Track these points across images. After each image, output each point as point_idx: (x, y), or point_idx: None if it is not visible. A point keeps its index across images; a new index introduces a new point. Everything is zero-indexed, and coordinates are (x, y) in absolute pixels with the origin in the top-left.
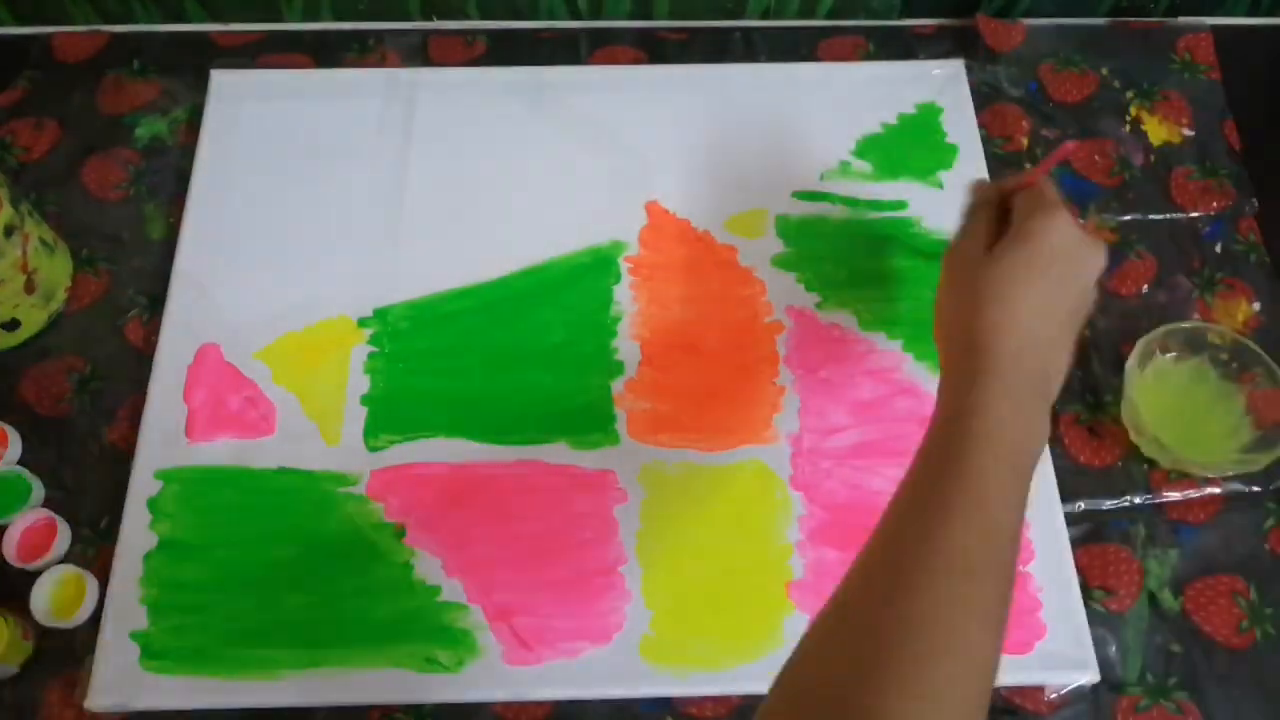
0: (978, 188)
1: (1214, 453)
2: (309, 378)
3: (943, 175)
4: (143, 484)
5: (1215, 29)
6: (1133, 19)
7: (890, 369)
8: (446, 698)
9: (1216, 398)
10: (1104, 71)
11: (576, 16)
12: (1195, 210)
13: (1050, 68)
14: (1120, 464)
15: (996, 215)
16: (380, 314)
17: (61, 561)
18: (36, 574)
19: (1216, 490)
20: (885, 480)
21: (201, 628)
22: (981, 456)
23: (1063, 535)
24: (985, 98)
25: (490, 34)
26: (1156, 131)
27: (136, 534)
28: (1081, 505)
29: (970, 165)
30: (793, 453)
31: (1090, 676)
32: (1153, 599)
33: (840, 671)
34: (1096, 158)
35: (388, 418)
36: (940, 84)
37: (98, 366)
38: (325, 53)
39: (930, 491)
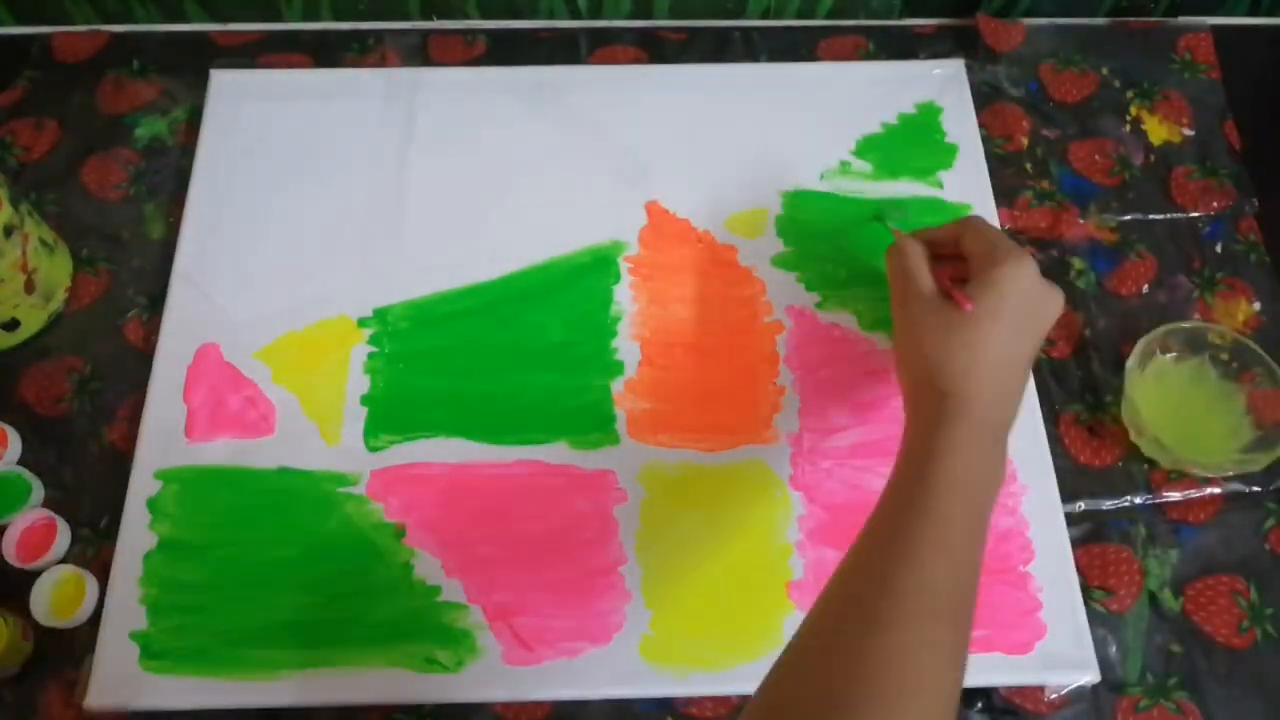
0: (895, 249)
1: (1214, 453)
2: (309, 378)
3: (943, 175)
4: (142, 484)
5: (1215, 29)
6: (1133, 19)
7: (890, 369)
8: (446, 698)
9: (1217, 398)
10: (1104, 71)
11: (576, 16)
12: (1195, 210)
13: (1050, 67)
14: (1120, 464)
15: (930, 255)
16: (380, 314)
17: (61, 561)
18: (36, 574)
19: (1216, 490)
20: (885, 480)
21: (201, 628)
22: (950, 500)
23: (1063, 535)
24: (985, 98)
25: (490, 34)
26: (1157, 131)
27: (136, 534)
28: (1082, 505)
29: (970, 165)
30: (793, 453)
31: (1090, 676)
32: (1153, 599)
33: (814, 695)
34: (1097, 157)
35: (388, 418)
36: (940, 84)
37: (98, 366)
38: (325, 52)
39: (898, 530)
